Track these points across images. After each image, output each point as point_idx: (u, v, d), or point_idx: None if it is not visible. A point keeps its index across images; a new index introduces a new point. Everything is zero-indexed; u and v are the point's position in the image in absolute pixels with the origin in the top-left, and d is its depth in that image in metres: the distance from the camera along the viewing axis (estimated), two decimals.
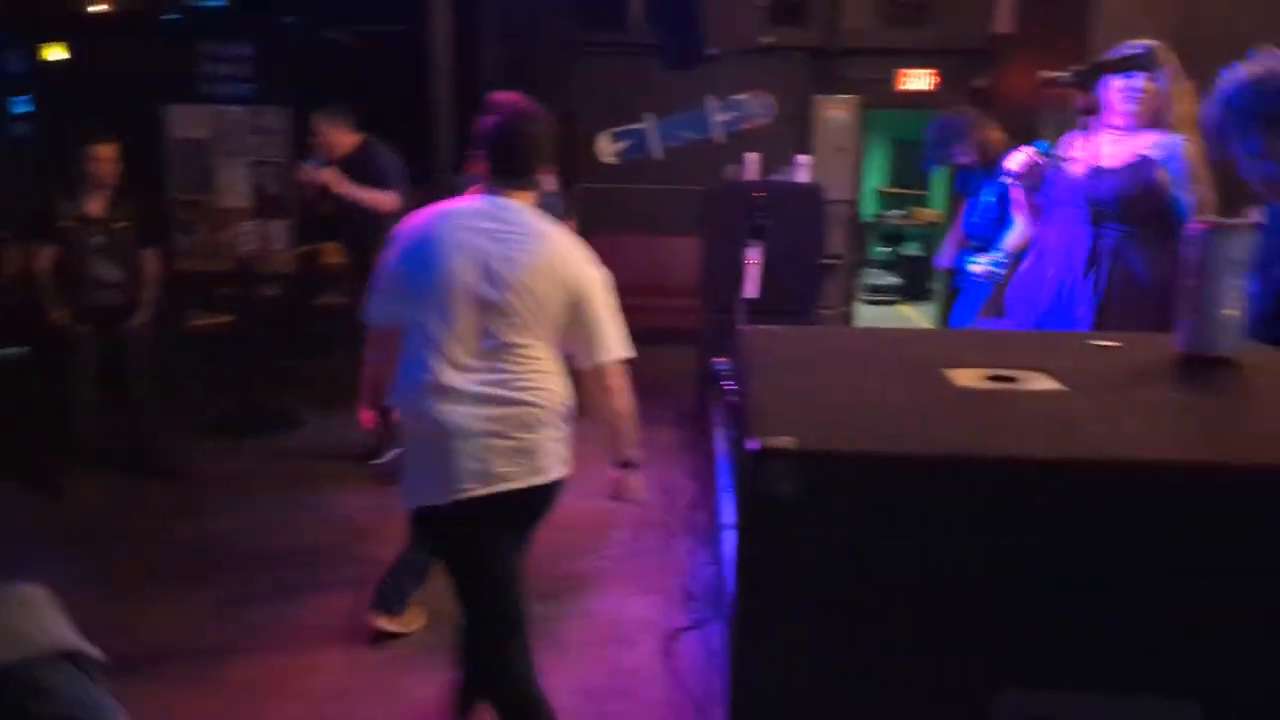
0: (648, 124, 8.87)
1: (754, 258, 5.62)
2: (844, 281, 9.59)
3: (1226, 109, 2.31)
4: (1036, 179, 3.28)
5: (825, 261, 9.46)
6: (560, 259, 2.48)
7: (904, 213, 12.15)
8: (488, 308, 2.41)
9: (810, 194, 6.16)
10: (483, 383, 2.39)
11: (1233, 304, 1.20)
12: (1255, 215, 2.36)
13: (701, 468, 5.12)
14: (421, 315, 2.43)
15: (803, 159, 6.22)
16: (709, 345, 5.80)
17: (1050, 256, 3.62)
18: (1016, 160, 3.43)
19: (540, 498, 2.51)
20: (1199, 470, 0.88)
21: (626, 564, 4.23)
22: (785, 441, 0.84)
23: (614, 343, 2.59)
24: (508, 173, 2.53)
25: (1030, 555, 0.89)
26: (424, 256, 2.45)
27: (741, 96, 8.75)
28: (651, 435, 5.90)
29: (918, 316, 10.66)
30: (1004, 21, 8.78)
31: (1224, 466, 0.87)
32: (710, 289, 6.06)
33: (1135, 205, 3.13)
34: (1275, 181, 2.35)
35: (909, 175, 12.28)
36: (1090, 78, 2.37)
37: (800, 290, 5.99)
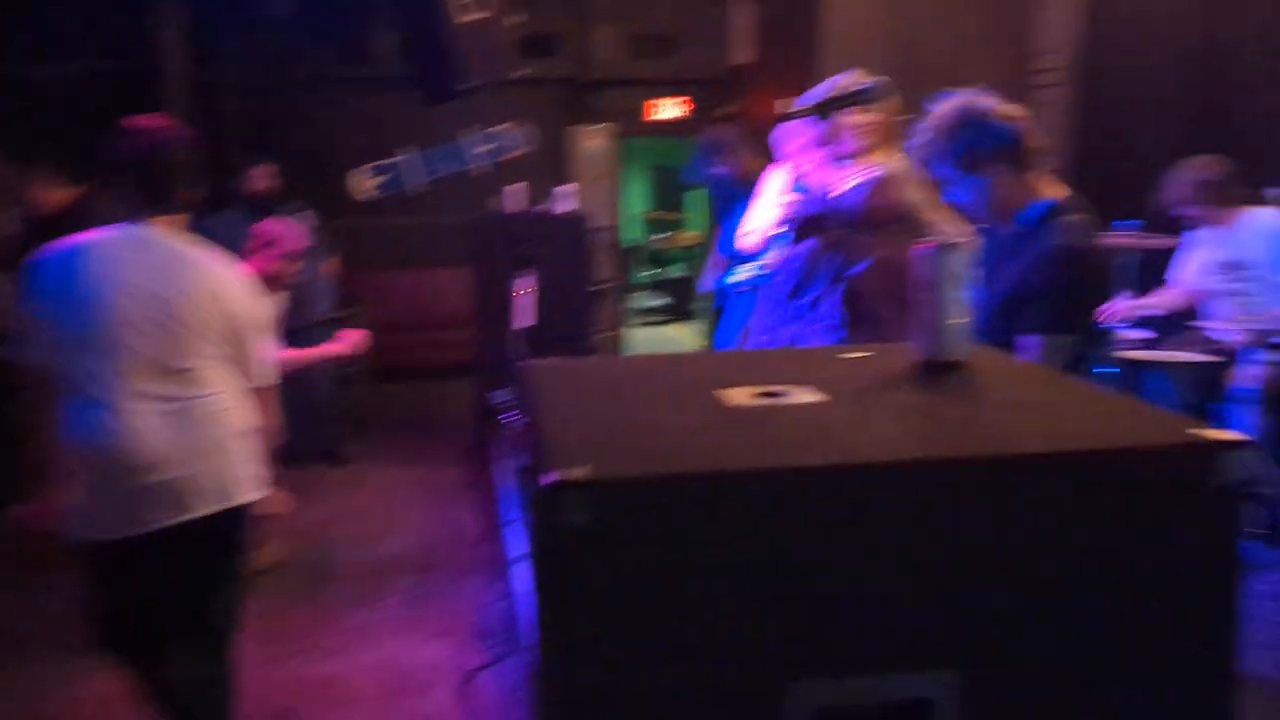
0: (405, 157, 8.75)
1: (524, 288, 5.66)
2: (614, 306, 9.82)
3: (937, 135, 2.60)
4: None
5: (595, 288, 9.65)
6: (215, 284, 2.47)
7: (666, 236, 12.58)
8: (152, 337, 2.37)
9: (574, 222, 6.27)
10: (160, 412, 2.36)
11: (959, 314, 1.35)
12: (972, 234, 2.66)
13: (485, 503, 5.08)
14: (83, 353, 2.35)
15: (565, 188, 6.33)
16: (486, 378, 5.77)
17: (792, 276, 3.89)
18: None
19: (231, 522, 2.49)
20: (945, 464, 0.98)
21: (413, 609, 4.13)
22: (580, 472, 0.87)
23: (265, 367, 2.62)
24: (152, 200, 2.45)
25: (809, 555, 0.96)
26: (72, 293, 2.36)
27: (500, 127, 8.80)
28: (432, 473, 5.84)
29: (686, 335, 11.04)
30: (744, 52, 9.31)
31: (966, 460, 0.98)
32: (483, 321, 6.04)
33: (868, 225, 3.37)
34: (972, 202, 2.67)
35: (668, 200, 12.75)
36: (826, 110, 2.58)
37: (573, 318, 6.08)
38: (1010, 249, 2.64)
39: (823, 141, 3.46)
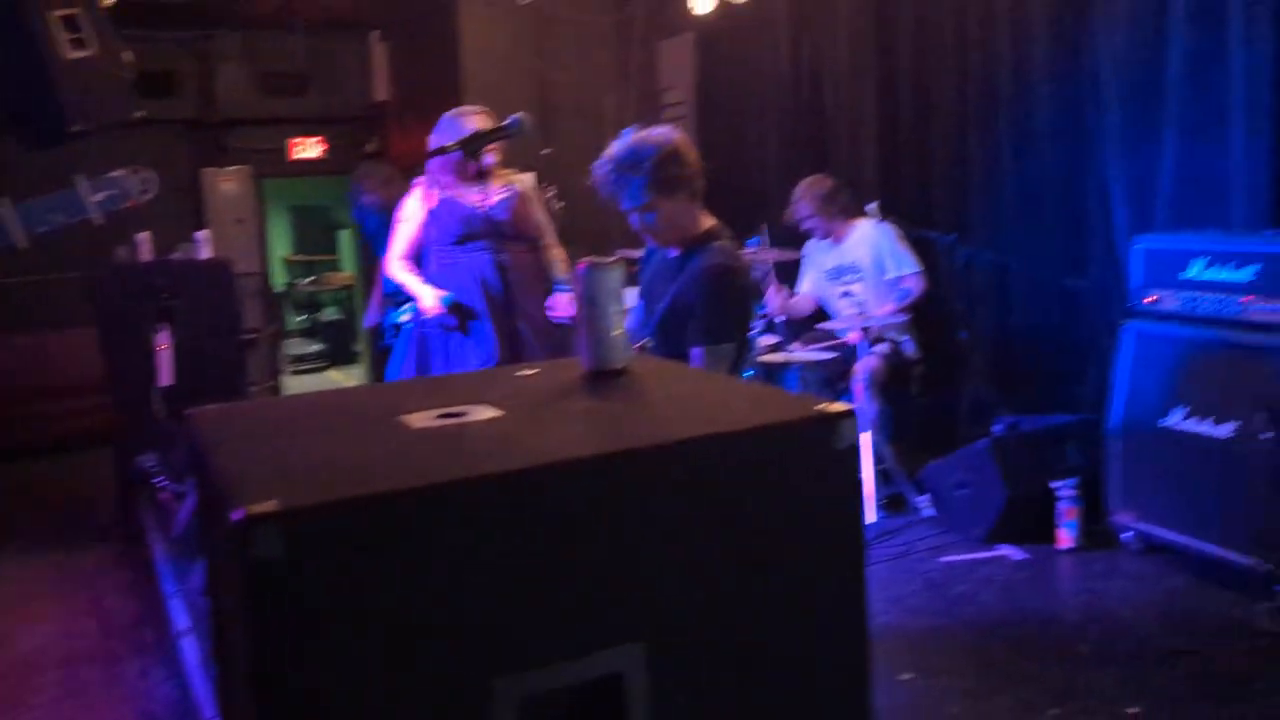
0: (3, 211, 7.81)
1: (164, 342, 5.25)
2: (267, 355, 9.32)
3: (615, 170, 2.81)
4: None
5: (244, 337, 9.10)
6: None
7: (316, 279, 12.11)
8: None
9: (216, 269, 5.91)
10: None
11: (618, 325, 1.46)
12: (622, 253, 2.90)
13: (138, 581, 4.65)
14: None
15: (203, 234, 5.95)
16: (127, 445, 5.28)
17: (458, 288, 4.04)
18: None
19: None
20: (614, 457, 1.07)
21: (65, 707, 3.69)
22: (268, 505, 0.86)
23: None
24: None
25: (500, 556, 1.01)
26: None
27: (117, 173, 8.09)
28: (71, 557, 5.24)
29: (347, 380, 10.69)
30: (382, 90, 9.24)
31: (632, 451, 1.08)
32: (119, 383, 5.52)
33: (513, 231, 3.85)
34: (649, 228, 2.91)
35: (315, 241, 12.28)
36: (472, 145, 2.69)
37: (223, 370, 5.71)
38: (674, 271, 2.92)
39: (463, 168, 3.73)
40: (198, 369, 5.31)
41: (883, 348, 4.81)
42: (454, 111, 3.92)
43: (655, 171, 2.81)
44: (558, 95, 7.94)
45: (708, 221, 2.99)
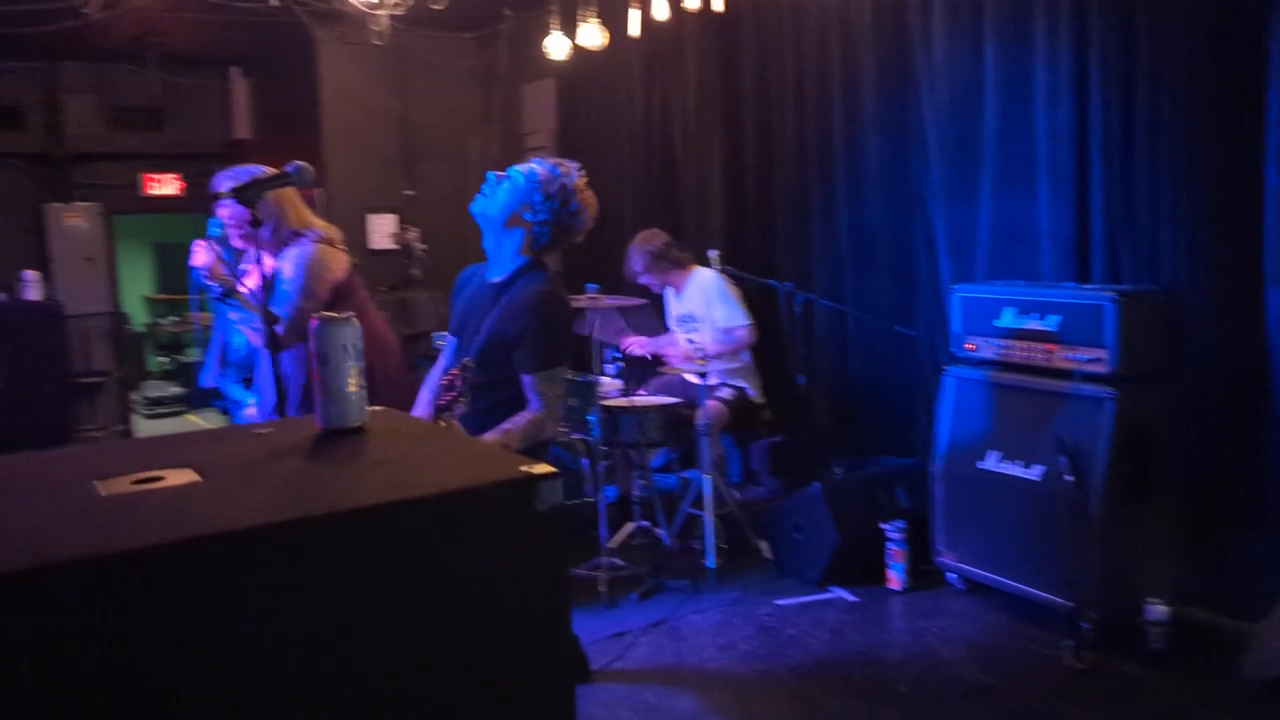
0: None
1: None
2: (117, 398, 8.94)
3: (538, 181, 2.82)
4: (222, 275, 3.34)
5: (86, 380, 8.70)
6: None
7: (180, 318, 11.68)
8: None
9: (47, 311, 5.66)
10: None
11: (354, 382, 1.43)
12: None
13: None
14: None
15: (32, 274, 5.69)
16: None
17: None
18: (199, 257, 3.38)
19: None
20: (295, 525, 1.04)
21: None
22: None
23: None
24: None
25: (160, 627, 0.97)
26: None
27: None
28: None
29: (208, 423, 10.31)
30: (243, 127, 9.05)
31: (313, 519, 1.05)
32: None
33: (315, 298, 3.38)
34: (507, 244, 2.87)
35: (177, 280, 11.84)
36: (252, 192, 2.56)
37: (50, 415, 5.46)
38: (493, 297, 2.89)
39: (246, 220, 3.42)
40: (23, 414, 5.06)
41: (725, 393, 4.88)
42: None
43: (564, 208, 2.89)
44: (421, 136, 7.90)
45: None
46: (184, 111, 8.90)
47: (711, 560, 4.41)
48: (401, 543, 1.09)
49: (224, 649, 1.00)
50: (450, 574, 1.12)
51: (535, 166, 2.97)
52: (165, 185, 9.22)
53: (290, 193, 3.48)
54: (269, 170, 2.87)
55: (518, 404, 2.80)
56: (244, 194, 2.49)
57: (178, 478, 1.20)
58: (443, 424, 2.65)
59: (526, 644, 1.15)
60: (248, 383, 4.87)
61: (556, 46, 6.21)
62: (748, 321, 4.88)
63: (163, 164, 9.11)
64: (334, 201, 7.49)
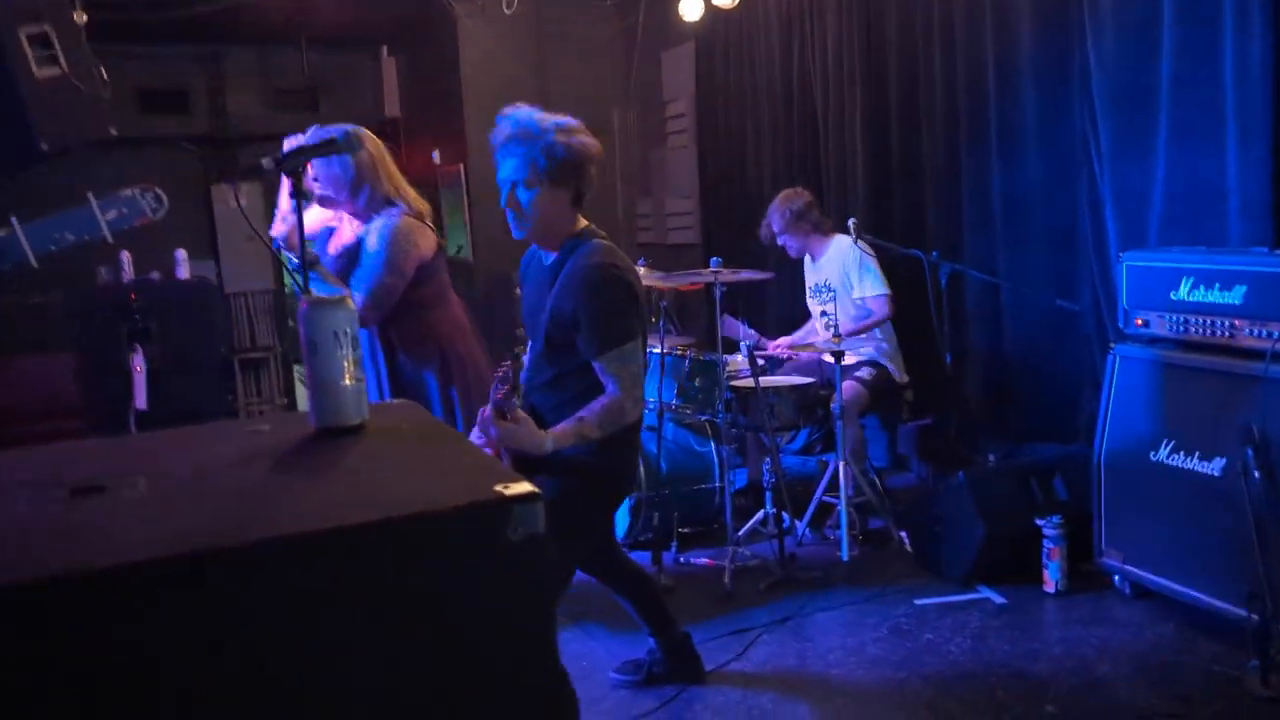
0: (12, 230, 7.85)
1: (138, 365, 5.16)
2: (280, 373, 9.28)
3: (513, 135, 2.57)
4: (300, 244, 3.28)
5: (250, 355, 9.07)
6: None
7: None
8: None
9: (198, 289, 5.82)
10: None
11: (349, 373, 1.25)
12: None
13: None
14: None
15: (182, 253, 5.87)
16: None
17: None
18: (278, 227, 3.33)
19: None
20: (202, 557, 0.86)
21: None
22: None
23: None
24: None
25: (61, 671, 0.82)
26: None
27: (128, 191, 8.11)
28: None
29: None
30: (393, 104, 9.16)
31: (224, 551, 0.87)
32: (94, 407, 5.45)
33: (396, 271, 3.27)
34: (520, 212, 2.61)
35: None
36: (293, 161, 2.40)
37: (201, 393, 5.61)
38: (550, 278, 2.64)
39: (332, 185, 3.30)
40: (176, 391, 5.20)
41: (864, 372, 4.52)
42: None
43: (550, 150, 2.50)
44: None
45: (581, 223, 2.68)
46: (338, 91, 9.07)
47: (846, 553, 4.10)
48: (336, 577, 0.89)
49: (104, 700, 0.83)
50: (400, 610, 0.92)
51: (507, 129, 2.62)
52: None
53: (386, 159, 3.38)
54: (329, 136, 2.72)
55: (597, 392, 2.56)
56: (285, 164, 2.34)
57: (121, 489, 1.05)
58: (506, 421, 2.44)
59: (495, 691, 0.94)
60: None
61: (690, 7, 5.95)
62: (884, 290, 4.50)
63: None
64: (474, 177, 7.46)
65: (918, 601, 3.72)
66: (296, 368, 10.63)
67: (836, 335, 4.14)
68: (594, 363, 2.54)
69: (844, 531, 4.11)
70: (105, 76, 5.80)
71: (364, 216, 3.30)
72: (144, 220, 6.15)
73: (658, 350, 4.25)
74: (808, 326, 5.01)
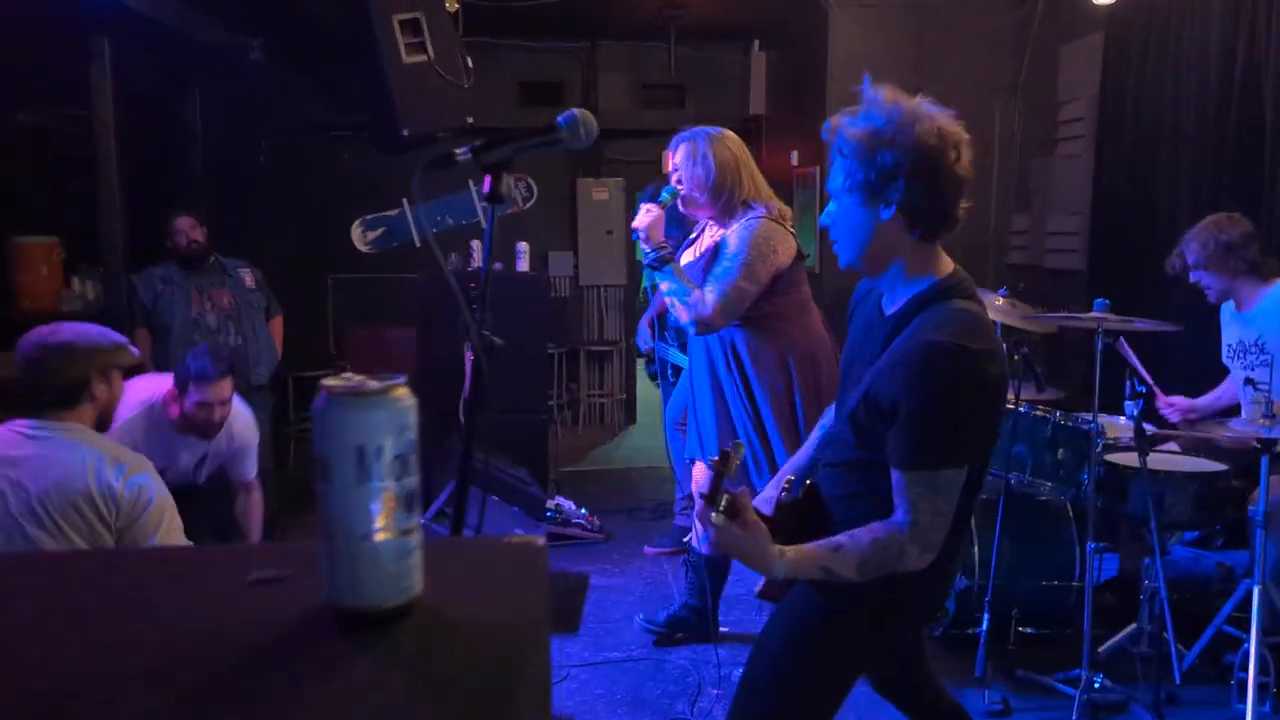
0: (402, 210, 8.37)
1: (467, 353, 5.15)
2: (623, 366, 9.26)
3: (866, 134, 1.93)
4: (660, 240, 3.25)
5: (597, 348, 9.10)
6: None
7: None
8: None
9: (531, 283, 5.76)
10: None
11: (383, 522, 0.72)
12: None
13: None
14: None
15: (523, 246, 5.83)
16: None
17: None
18: (640, 219, 3.29)
19: None
20: None
21: None
22: None
23: None
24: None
25: None
26: None
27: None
28: None
29: None
30: (759, 102, 8.76)
31: None
32: (427, 388, 5.53)
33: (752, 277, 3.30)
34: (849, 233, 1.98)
35: None
36: (498, 154, 1.74)
37: (525, 384, 5.53)
38: (885, 335, 1.91)
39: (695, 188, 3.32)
40: (502, 380, 5.15)
41: None
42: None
43: (911, 153, 1.79)
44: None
45: (944, 265, 1.93)
46: (704, 87, 8.83)
47: (1241, 703, 3.07)
48: None
49: None
50: None
51: (846, 126, 1.92)
52: None
53: (747, 157, 3.33)
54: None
55: (887, 507, 1.84)
56: (487, 155, 1.84)
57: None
58: (728, 522, 1.80)
59: None
60: (683, 347, 4.61)
61: None
62: None
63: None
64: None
65: None
66: (639, 361, 10.66)
67: (1268, 416, 3.09)
68: (894, 473, 1.82)
69: (1252, 676, 3.08)
70: (470, 65, 5.75)
71: (723, 220, 3.29)
72: (515, 208, 6.11)
73: (1011, 405, 3.45)
74: (1221, 388, 3.92)
